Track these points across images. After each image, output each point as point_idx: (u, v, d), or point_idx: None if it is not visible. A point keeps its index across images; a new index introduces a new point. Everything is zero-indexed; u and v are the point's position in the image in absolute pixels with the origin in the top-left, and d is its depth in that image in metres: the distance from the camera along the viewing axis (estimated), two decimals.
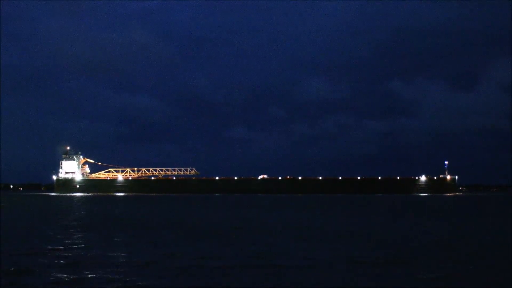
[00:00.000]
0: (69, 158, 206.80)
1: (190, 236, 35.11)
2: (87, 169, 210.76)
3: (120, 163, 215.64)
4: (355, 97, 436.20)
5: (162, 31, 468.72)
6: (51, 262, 23.66)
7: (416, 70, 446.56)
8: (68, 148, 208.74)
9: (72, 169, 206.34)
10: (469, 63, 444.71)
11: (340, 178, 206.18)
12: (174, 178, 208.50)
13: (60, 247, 28.80)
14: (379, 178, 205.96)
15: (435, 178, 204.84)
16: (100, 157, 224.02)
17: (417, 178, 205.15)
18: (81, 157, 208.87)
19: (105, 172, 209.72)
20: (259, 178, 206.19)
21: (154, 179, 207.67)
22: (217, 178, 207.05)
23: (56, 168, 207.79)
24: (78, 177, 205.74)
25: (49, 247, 28.77)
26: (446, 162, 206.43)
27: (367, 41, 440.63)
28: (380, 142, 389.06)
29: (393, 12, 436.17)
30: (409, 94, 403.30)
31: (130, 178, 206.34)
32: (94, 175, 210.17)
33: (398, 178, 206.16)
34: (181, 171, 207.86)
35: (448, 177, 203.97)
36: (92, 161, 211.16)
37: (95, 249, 27.90)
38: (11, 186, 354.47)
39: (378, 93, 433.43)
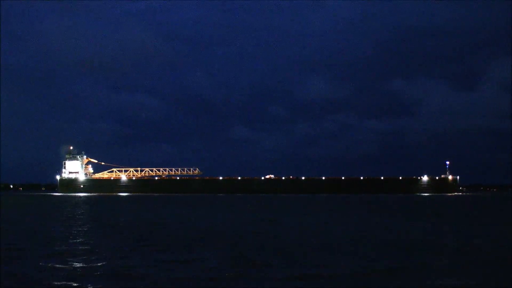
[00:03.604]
0: (73, 158, 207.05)
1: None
2: (90, 169, 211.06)
3: (121, 163, 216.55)
4: (356, 97, 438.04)
5: (162, 31, 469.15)
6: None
7: (417, 70, 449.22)
8: (71, 148, 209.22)
9: (75, 169, 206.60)
10: (470, 63, 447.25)
11: (343, 178, 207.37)
12: (178, 178, 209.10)
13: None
14: (382, 178, 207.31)
15: (437, 178, 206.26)
16: (101, 157, 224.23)
17: (419, 178, 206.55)
18: (85, 157, 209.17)
19: (108, 172, 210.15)
20: (265, 177, 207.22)
21: (157, 179, 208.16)
22: (220, 178, 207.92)
23: (58, 167, 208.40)
24: (81, 177, 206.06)
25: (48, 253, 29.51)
26: (448, 162, 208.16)
27: (369, 40, 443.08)
28: (381, 142, 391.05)
29: (395, 12, 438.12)
30: (411, 93, 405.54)
31: (133, 178, 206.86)
32: (98, 175, 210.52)
33: (400, 178, 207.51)
34: (184, 171, 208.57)
35: (450, 177, 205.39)
36: (95, 161, 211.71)
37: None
38: (11, 186, 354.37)
39: (379, 93, 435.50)
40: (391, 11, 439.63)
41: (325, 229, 43.46)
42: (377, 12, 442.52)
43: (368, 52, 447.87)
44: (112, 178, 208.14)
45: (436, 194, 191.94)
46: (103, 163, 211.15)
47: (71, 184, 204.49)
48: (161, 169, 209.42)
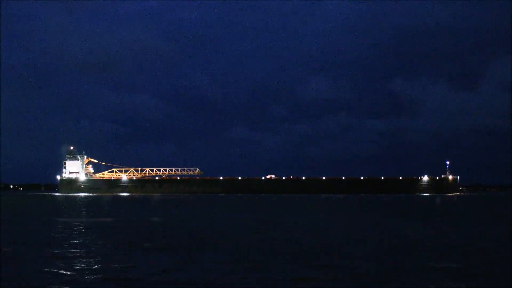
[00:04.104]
0: (73, 158, 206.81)
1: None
2: (91, 169, 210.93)
3: (122, 163, 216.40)
4: (357, 97, 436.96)
5: (163, 31, 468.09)
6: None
7: (418, 69, 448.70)
8: (72, 148, 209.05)
9: (76, 169, 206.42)
10: (470, 63, 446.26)
11: (343, 178, 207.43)
12: (178, 178, 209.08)
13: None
14: (382, 178, 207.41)
15: (437, 178, 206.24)
16: (102, 157, 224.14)
17: (419, 178, 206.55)
18: (85, 157, 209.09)
19: (108, 172, 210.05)
20: (265, 177, 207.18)
21: (158, 179, 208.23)
22: (221, 178, 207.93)
23: (58, 167, 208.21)
24: (82, 177, 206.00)
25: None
26: (448, 162, 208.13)
27: (369, 40, 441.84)
28: (381, 142, 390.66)
29: (395, 11, 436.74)
30: (411, 93, 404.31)
31: (134, 178, 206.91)
32: (98, 175, 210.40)
33: (400, 178, 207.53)
34: (184, 171, 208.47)
35: (450, 177, 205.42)
36: (96, 161, 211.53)
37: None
38: (11, 186, 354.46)
39: (380, 93, 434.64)
40: (391, 11, 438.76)
41: (325, 229, 43.45)
42: (377, 12, 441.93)
43: (368, 52, 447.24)
44: (112, 178, 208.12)
45: (436, 194, 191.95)
46: (103, 163, 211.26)
47: (71, 184, 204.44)
48: (161, 169, 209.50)
